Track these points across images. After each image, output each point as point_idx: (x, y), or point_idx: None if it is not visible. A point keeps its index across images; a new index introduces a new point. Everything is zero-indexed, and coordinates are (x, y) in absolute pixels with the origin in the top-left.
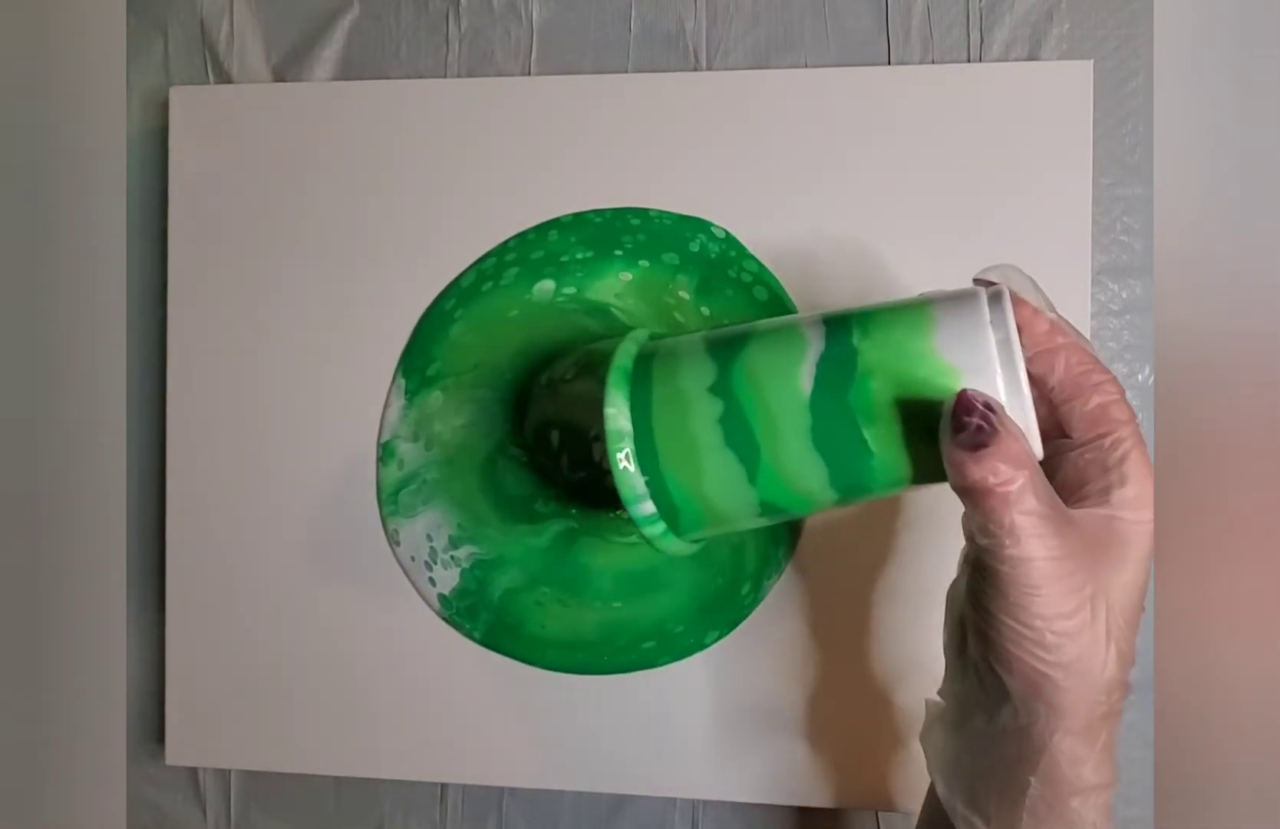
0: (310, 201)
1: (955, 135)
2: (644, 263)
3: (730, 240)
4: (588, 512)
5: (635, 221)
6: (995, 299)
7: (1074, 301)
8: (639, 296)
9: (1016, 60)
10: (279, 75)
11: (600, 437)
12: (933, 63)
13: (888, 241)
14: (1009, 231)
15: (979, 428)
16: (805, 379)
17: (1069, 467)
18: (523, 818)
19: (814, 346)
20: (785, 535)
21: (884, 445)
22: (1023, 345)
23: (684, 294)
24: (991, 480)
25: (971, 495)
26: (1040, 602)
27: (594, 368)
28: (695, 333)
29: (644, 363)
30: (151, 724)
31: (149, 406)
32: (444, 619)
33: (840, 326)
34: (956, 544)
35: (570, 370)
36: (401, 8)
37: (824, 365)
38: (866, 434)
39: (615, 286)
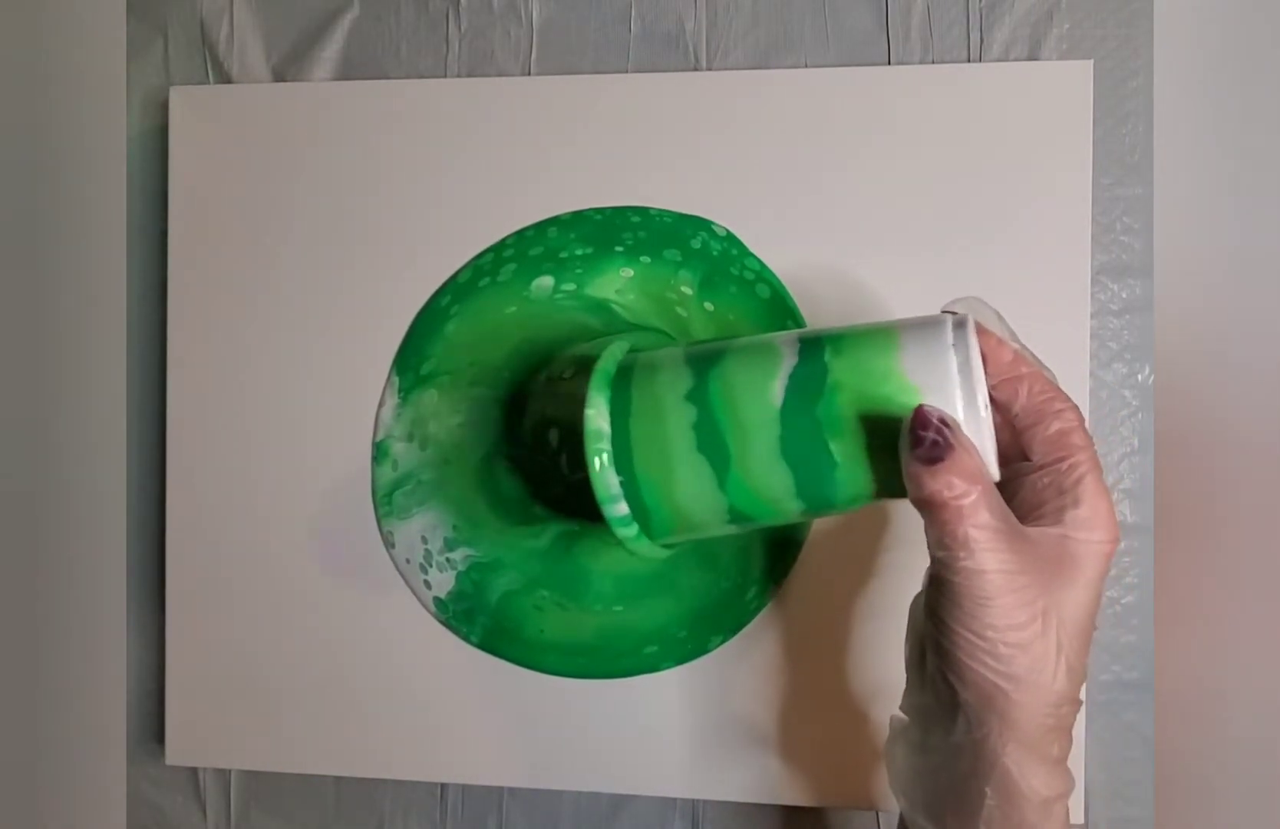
0: (310, 201)
1: (955, 135)
2: (645, 259)
3: (731, 238)
4: (588, 513)
5: (635, 219)
6: (959, 325)
7: (1074, 301)
8: (641, 292)
9: (1016, 60)
10: (279, 75)
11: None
12: (933, 63)
13: (887, 241)
14: (1008, 232)
15: (934, 443)
16: (777, 391)
17: (1028, 488)
18: (523, 818)
19: (787, 361)
20: (792, 538)
21: (848, 458)
22: (987, 373)
23: (687, 290)
24: (946, 494)
25: (928, 508)
26: (993, 613)
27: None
28: (678, 345)
29: (627, 369)
30: (151, 724)
31: (149, 406)
32: (440, 622)
33: (813, 344)
34: None
35: (570, 368)
36: (401, 8)
37: (795, 379)
38: (832, 446)
39: (616, 282)
